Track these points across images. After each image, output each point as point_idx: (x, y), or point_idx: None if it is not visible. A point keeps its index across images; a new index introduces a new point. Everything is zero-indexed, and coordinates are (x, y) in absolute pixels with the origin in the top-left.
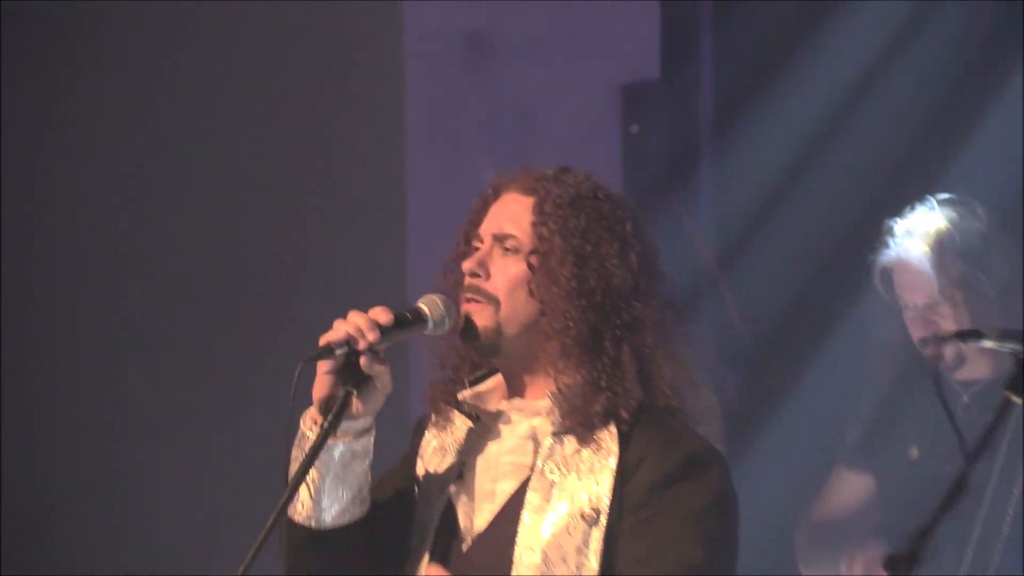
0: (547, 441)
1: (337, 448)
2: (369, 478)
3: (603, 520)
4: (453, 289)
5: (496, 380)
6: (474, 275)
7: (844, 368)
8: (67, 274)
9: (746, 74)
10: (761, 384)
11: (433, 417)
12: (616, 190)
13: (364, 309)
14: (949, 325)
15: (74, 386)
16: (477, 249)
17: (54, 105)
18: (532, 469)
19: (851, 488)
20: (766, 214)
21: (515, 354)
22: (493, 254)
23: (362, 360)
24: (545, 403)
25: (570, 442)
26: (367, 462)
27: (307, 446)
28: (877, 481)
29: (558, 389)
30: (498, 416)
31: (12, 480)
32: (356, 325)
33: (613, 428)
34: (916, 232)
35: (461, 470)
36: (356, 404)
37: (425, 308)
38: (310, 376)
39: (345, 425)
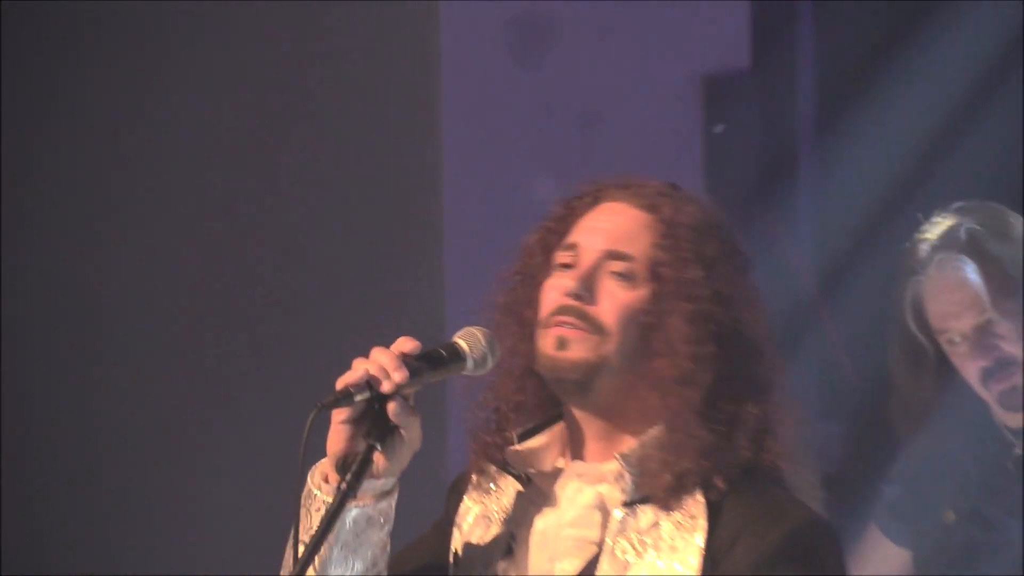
0: (617, 512)
1: (351, 512)
2: (388, 549)
3: None
4: (521, 310)
5: (553, 433)
6: (577, 296)
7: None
8: (67, 274)
9: (852, 63)
10: (871, 439)
11: (474, 478)
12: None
13: (391, 340)
14: (1014, 347)
15: (75, 386)
16: (567, 266)
17: (64, 104)
18: (600, 546)
19: (885, 559)
20: (877, 231)
21: (604, 400)
22: (599, 275)
23: (389, 407)
24: (612, 467)
25: (647, 513)
26: (386, 529)
27: (314, 507)
28: (912, 550)
29: (640, 446)
30: (555, 478)
31: (12, 480)
32: (379, 364)
33: (700, 496)
34: (943, 243)
35: (510, 544)
36: (379, 460)
37: (464, 344)
38: (324, 424)
39: (364, 485)
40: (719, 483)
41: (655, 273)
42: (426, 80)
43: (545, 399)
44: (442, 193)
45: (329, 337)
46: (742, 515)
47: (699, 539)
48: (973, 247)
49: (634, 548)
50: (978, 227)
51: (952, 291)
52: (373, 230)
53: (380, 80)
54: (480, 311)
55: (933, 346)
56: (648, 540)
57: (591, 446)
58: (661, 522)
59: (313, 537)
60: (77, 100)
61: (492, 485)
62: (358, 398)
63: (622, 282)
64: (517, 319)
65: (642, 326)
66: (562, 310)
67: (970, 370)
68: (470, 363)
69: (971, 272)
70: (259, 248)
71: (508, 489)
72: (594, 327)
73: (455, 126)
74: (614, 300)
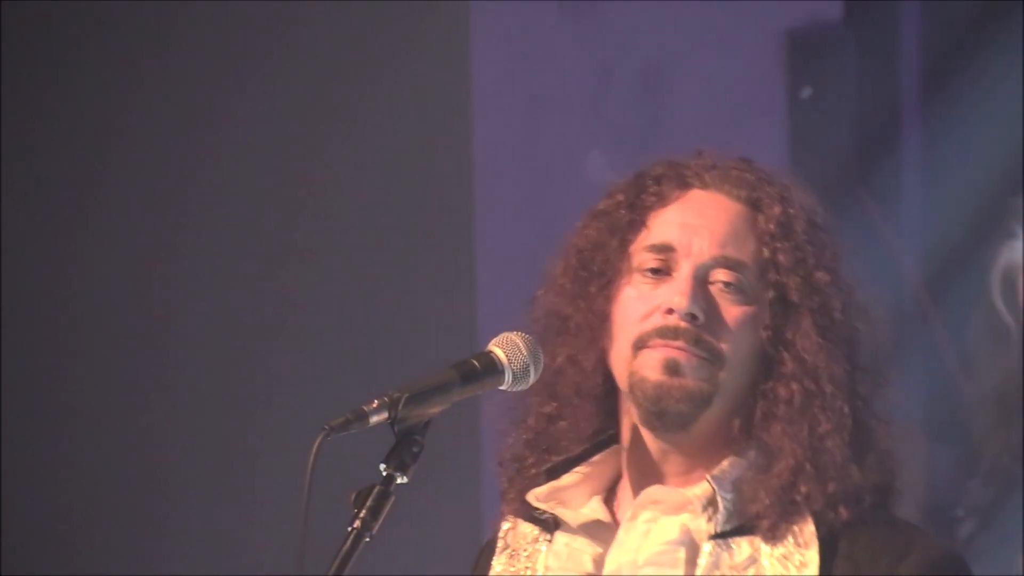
0: (706, 546)
1: None
2: None
3: None
4: (571, 318)
5: (590, 468)
6: (692, 317)
7: None
8: (68, 274)
9: (964, 17)
10: (986, 460)
11: (502, 538)
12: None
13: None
14: None
15: (75, 387)
16: (657, 271)
17: (69, 104)
18: None
19: None
20: (994, 216)
21: (703, 431)
22: (710, 291)
23: None
24: (699, 491)
25: (742, 547)
26: None
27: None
28: None
29: (733, 467)
30: (614, 511)
31: (12, 480)
32: None
33: (810, 527)
34: None
35: None
36: None
37: (501, 354)
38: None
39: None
40: (843, 512)
41: (771, 282)
42: (454, 30)
43: (594, 429)
44: (473, 173)
45: (349, 343)
46: (864, 548)
47: (811, 574)
48: None
49: None
50: None
51: None
52: (395, 218)
53: (406, 37)
54: (520, 315)
55: (1019, 326)
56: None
57: (668, 476)
58: (761, 557)
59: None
60: (85, 99)
61: (524, 542)
62: (374, 420)
63: (736, 295)
64: (576, 327)
65: (760, 347)
66: (670, 332)
67: None
68: (508, 376)
69: None
70: (281, 250)
71: (540, 543)
72: (712, 355)
73: (488, 92)
74: (732, 320)
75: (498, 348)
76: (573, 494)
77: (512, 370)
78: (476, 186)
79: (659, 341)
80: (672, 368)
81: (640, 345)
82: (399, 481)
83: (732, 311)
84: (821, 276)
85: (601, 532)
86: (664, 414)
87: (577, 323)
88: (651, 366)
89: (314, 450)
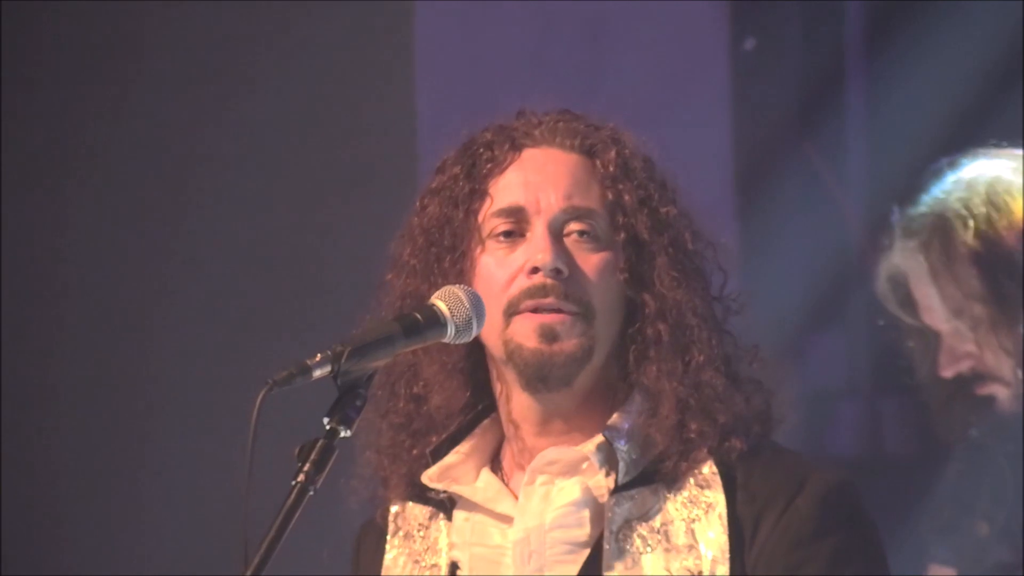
0: (611, 500)
1: None
2: None
3: None
4: (425, 297)
5: (473, 442)
6: (557, 272)
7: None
8: (68, 274)
9: None
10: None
11: (391, 521)
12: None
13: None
14: (982, 356)
15: (76, 386)
16: (510, 233)
17: (60, 104)
18: (598, 545)
19: None
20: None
21: (583, 385)
22: (566, 244)
23: None
24: (595, 444)
25: (646, 497)
26: None
27: None
28: (956, 569)
29: (624, 417)
30: (501, 485)
31: (12, 480)
32: None
33: (710, 466)
34: (910, 228)
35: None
36: None
37: (443, 306)
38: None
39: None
40: (736, 442)
41: (620, 224)
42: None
43: (465, 402)
44: (416, 126)
45: (291, 298)
46: (760, 482)
47: (718, 519)
48: (939, 239)
49: (641, 539)
50: (961, 205)
51: (916, 286)
52: (339, 173)
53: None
54: (373, 303)
55: (926, 326)
56: (656, 526)
57: (554, 435)
58: (668, 505)
59: (271, 536)
60: (62, 97)
61: (416, 523)
62: (317, 373)
63: (591, 244)
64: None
65: (622, 291)
66: (539, 291)
67: (944, 372)
68: (451, 329)
69: (927, 275)
70: (221, 202)
71: (438, 522)
72: (583, 308)
73: (431, 44)
74: (592, 269)
75: (440, 301)
76: (462, 471)
77: (455, 323)
78: (419, 139)
79: (530, 303)
80: (548, 335)
81: (511, 311)
82: (343, 435)
83: (591, 260)
84: (668, 210)
85: (499, 503)
86: (548, 378)
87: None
88: (526, 334)
89: (257, 404)
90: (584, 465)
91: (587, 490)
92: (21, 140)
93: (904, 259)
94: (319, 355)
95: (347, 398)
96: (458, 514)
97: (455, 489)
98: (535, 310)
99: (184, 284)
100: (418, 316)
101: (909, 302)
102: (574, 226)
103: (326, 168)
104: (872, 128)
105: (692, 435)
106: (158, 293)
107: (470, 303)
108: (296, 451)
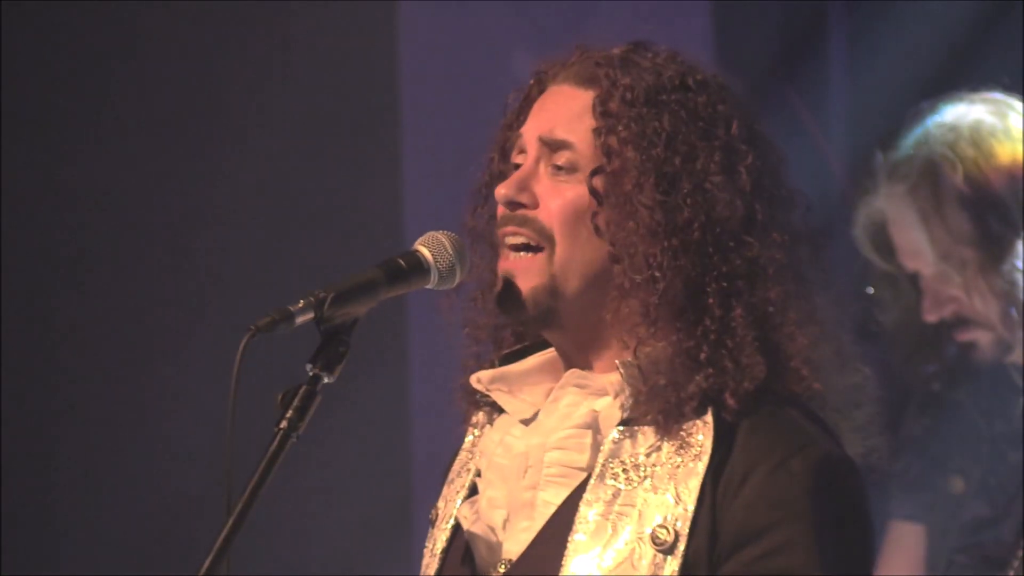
0: (612, 433)
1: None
2: None
3: (681, 548)
4: (487, 231)
5: (541, 358)
6: (514, 204)
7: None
8: (68, 274)
9: None
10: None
11: (469, 434)
12: (715, 73)
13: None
14: (968, 300)
15: (76, 386)
16: (519, 167)
17: (55, 104)
18: (589, 472)
19: (899, 540)
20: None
21: (577, 322)
22: (539, 173)
23: None
24: (614, 378)
25: (646, 436)
26: None
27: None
28: (925, 524)
29: (635, 361)
30: (543, 397)
31: (12, 480)
32: None
33: (709, 418)
34: (896, 169)
35: (474, 484)
36: None
37: (426, 252)
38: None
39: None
40: (730, 401)
41: (599, 163)
42: None
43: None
44: (398, 74)
45: (276, 244)
46: (755, 446)
47: (701, 467)
48: (928, 182)
49: (627, 475)
50: (947, 149)
51: (901, 230)
52: (321, 118)
53: None
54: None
55: (901, 272)
56: (645, 466)
57: (591, 362)
58: (662, 446)
59: (254, 483)
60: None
61: (482, 429)
62: (299, 320)
63: (565, 176)
64: (482, 240)
65: (593, 228)
66: (500, 221)
67: (924, 313)
68: (434, 275)
69: (916, 218)
70: (206, 154)
71: (488, 424)
72: (541, 235)
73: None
74: (557, 200)
75: (424, 247)
76: (525, 380)
77: (438, 269)
78: (402, 87)
79: (499, 233)
80: (507, 285)
81: (497, 249)
82: (325, 381)
83: (559, 191)
84: (651, 151)
85: (526, 415)
86: (526, 321)
87: (482, 235)
88: (497, 283)
89: (240, 349)
90: (605, 393)
91: (593, 416)
92: (25, 137)
93: (890, 203)
94: (301, 301)
95: (330, 345)
96: (501, 422)
97: (497, 397)
98: (503, 244)
99: (180, 283)
100: (401, 262)
101: (886, 246)
102: (552, 159)
103: (308, 112)
104: (854, 72)
105: (686, 390)
106: (161, 295)
107: (453, 249)
108: (279, 397)
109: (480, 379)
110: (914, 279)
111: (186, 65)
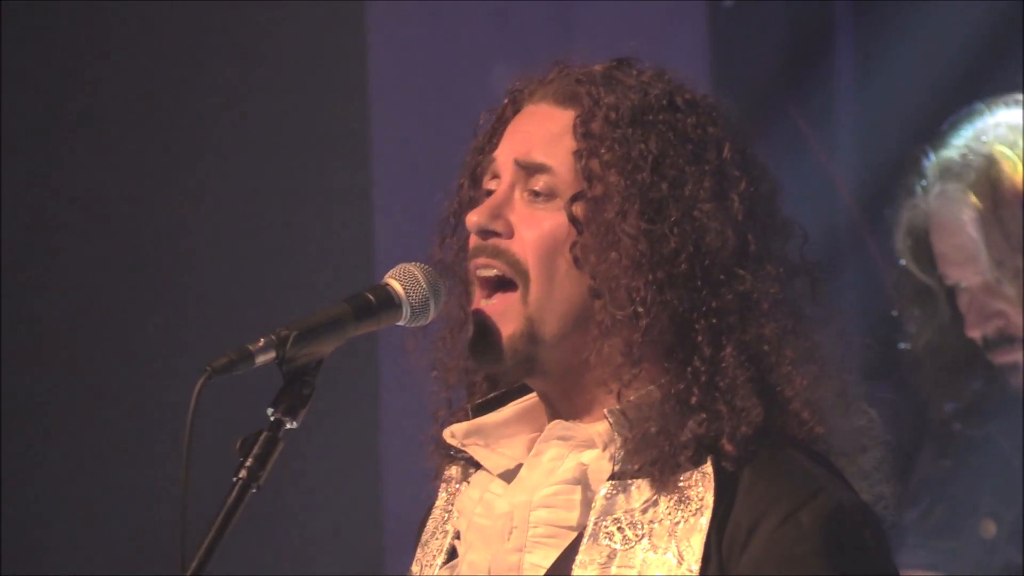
0: (603, 488)
1: None
2: None
3: None
4: (456, 263)
5: (520, 406)
6: (486, 233)
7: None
8: (68, 273)
9: None
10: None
11: (443, 491)
12: (705, 94)
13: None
14: (1016, 316)
15: (76, 386)
16: (488, 193)
17: (54, 105)
18: (581, 531)
19: None
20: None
21: (559, 367)
22: (514, 199)
23: None
24: (602, 428)
25: (640, 490)
26: None
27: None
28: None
29: (622, 408)
30: (524, 450)
31: (12, 480)
32: None
33: (708, 469)
34: (950, 169)
35: (454, 546)
36: None
37: (397, 286)
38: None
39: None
40: (729, 448)
41: (579, 189)
42: None
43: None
44: (368, 89)
45: (240, 273)
46: (760, 496)
47: (704, 522)
48: (987, 180)
49: (623, 533)
50: (1007, 148)
51: (952, 234)
52: (290, 135)
53: None
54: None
55: (939, 285)
56: (642, 523)
57: (569, 416)
58: (659, 501)
59: (210, 539)
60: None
61: (457, 485)
62: (260, 360)
63: (542, 203)
64: (452, 274)
65: (572, 260)
66: (472, 252)
67: (968, 328)
68: (407, 310)
69: (971, 220)
70: (169, 174)
71: (464, 481)
72: (511, 265)
73: (387, 1)
74: (533, 229)
75: (395, 280)
76: (503, 431)
77: (410, 304)
78: (373, 102)
79: (469, 266)
80: (480, 331)
81: (469, 278)
82: (288, 426)
83: (536, 219)
84: (648, 181)
85: (506, 470)
86: (505, 371)
87: (453, 270)
88: (469, 329)
89: (195, 393)
90: (593, 445)
91: (582, 470)
92: (24, 138)
93: (942, 203)
94: (262, 340)
95: (293, 387)
96: (477, 478)
97: (473, 451)
98: (475, 278)
99: (178, 285)
100: (371, 297)
101: (926, 255)
102: (529, 184)
103: (277, 130)
104: (860, 91)
105: (679, 438)
106: (160, 296)
107: (427, 282)
108: (237, 444)
109: (454, 434)
110: (951, 295)
111: (143, 91)
